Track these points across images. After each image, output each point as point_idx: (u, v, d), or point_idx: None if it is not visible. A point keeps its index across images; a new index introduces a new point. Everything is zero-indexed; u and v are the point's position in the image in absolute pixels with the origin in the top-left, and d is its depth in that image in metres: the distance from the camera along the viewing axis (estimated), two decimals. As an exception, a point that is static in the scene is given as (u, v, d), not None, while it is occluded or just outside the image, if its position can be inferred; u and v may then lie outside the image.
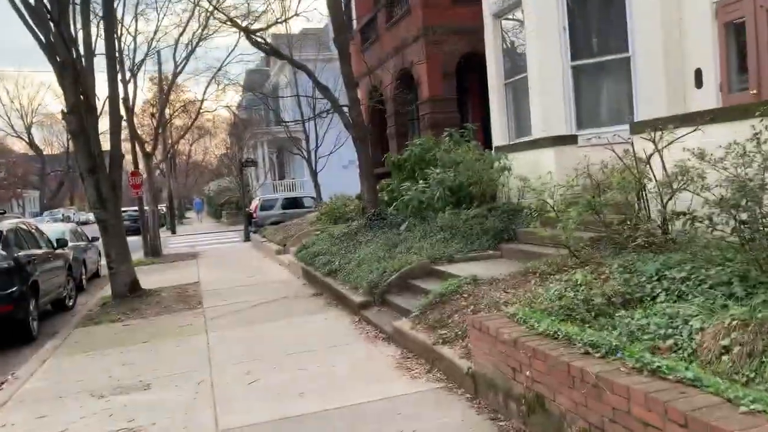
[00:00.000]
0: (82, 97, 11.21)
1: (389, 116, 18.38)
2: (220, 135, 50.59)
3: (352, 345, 7.30)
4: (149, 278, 15.04)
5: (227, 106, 32.01)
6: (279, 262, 16.07)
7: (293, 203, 28.66)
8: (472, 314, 6.01)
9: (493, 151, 11.54)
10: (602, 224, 6.51)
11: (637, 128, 7.49)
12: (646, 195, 6.46)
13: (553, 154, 9.36)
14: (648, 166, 6.51)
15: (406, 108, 18.28)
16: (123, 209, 42.05)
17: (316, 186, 26.75)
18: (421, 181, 11.50)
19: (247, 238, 26.35)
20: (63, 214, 58.45)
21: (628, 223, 6.53)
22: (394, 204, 11.57)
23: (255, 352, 7.40)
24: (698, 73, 9.84)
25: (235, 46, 55.80)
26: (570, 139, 9.58)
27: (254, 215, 27.92)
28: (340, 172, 34.80)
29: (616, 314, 4.75)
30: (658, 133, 6.31)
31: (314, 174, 26.80)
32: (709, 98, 9.61)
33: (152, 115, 25.71)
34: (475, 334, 4.92)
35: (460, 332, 5.78)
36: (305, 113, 26.49)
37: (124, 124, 17.66)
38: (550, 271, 6.43)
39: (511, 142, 11.78)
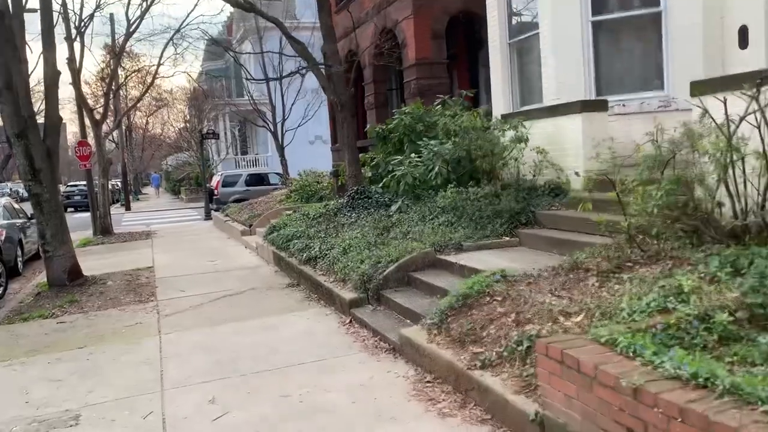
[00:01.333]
0: (6, 42, 9.25)
1: (367, 84, 16.72)
2: (179, 106, 47.93)
3: (347, 358, 5.72)
4: (96, 261, 13.18)
5: (186, 73, 29.68)
6: (245, 245, 14.35)
7: (258, 180, 26.77)
8: (516, 326, 4.51)
9: (495, 121, 10.01)
10: (675, 207, 5.03)
11: (701, 88, 6.03)
12: (733, 169, 5.00)
13: (579, 123, 7.87)
14: (732, 132, 5.05)
15: (387, 76, 16.62)
16: (75, 183, 39.31)
17: (283, 161, 24.93)
18: (413, 155, 9.92)
19: (208, 216, 24.43)
20: (11, 189, 55.10)
21: (700, 207, 5.08)
22: (383, 181, 9.96)
23: (221, 365, 5.78)
24: (743, 32, 8.45)
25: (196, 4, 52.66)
26: (599, 105, 8.10)
27: (216, 192, 25.96)
28: (306, 149, 32.97)
29: (755, 338, 3.29)
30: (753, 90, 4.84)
31: (281, 148, 24.96)
32: (756, 60, 8.24)
33: (102, 79, 23.42)
34: (548, 365, 3.41)
35: (506, 353, 4.26)
36: (273, 82, 24.59)
37: (69, 89, 15.57)
38: (610, 267, 4.94)
39: (515, 110, 10.26)
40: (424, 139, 10.38)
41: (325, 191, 16.19)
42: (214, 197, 25.87)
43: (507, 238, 7.52)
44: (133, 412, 4.81)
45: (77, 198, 35.85)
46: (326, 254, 8.78)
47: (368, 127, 12.06)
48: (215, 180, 27.10)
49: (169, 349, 6.47)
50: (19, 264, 13.63)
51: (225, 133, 39.03)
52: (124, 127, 54.08)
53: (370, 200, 10.69)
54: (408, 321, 6.18)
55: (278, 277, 10.05)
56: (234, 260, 12.34)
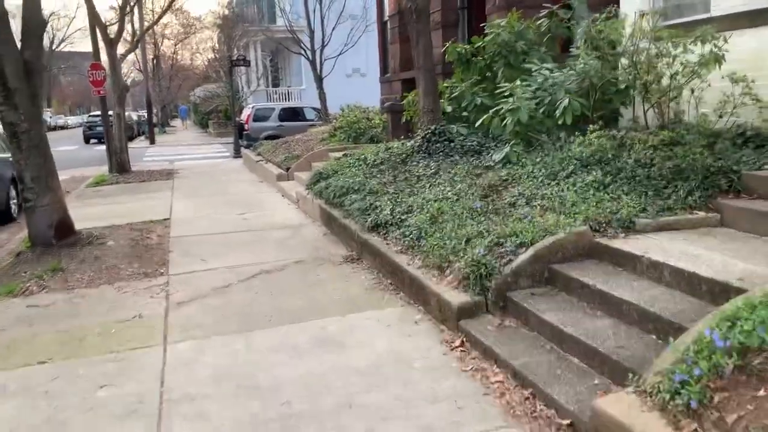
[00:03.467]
0: None
1: (432, -2, 13.66)
2: (208, 32, 44.94)
3: (485, 436, 3.20)
4: (102, 208, 10.82)
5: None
6: (282, 192, 11.83)
7: (293, 115, 24.04)
8: None
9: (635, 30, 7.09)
10: None
11: None
12: None
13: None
14: None
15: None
16: (97, 114, 36.73)
17: (321, 95, 22.11)
18: (518, 83, 7.13)
19: (237, 154, 21.99)
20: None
21: None
22: (472, 118, 7.23)
23: (262, 416, 3.32)
24: None
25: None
26: None
27: (246, 127, 23.35)
28: (343, 82, 30.00)
29: None
30: None
31: (319, 80, 22.11)
32: None
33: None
34: None
35: None
36: (311, 3, 21.55)
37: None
38: None
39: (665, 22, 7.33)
40: (533, 61, 7.57)
41: (376, 130, 13.50)
42: (245, 133, 23.31)
43: (701, 213, 4.82)
44: None
45: (99, 129, 33.55)
46: (403, 220, 6.19)
47: (446, 47, 9.20)
48: (245, 114, 24.45)
49: (175, 382, 4.01)
50: (12, 207, 11.35)
51: (256, 63, 36.12)
52: (152, 56, 51.74)
53: (452, 144, 8.00)
54: (575, 360, 3.62)
55: (330, 244, 7.53)
56: (270, 214, 9.83)
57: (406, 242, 5.77)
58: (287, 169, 12.89)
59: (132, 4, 18.39)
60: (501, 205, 5.53)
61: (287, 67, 39.84)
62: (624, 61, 6.31)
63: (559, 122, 6.31)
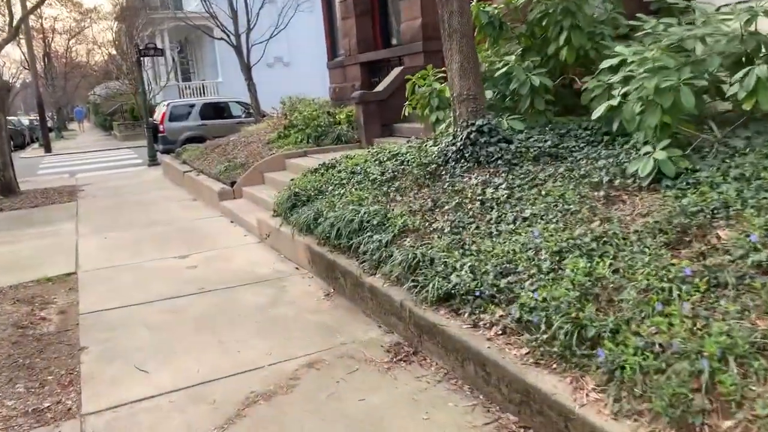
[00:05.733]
0: None
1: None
2: (106, 24, 40.21)
3: None
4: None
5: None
6: (231, 218, 8.83)
7: (217, 111, 20.66)
8: None
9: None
10: None
11: None
12: None
13: None
14: None
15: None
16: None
17: (251, 87, 18.89)
18: (643, 48, 4.56)
19: (153, 161, 18.57)
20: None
21: None
22: (602, 108, 4.51)
23: None
24: None
25: None
26: None
27: (161, 128, 19.83)
28: (265, 73, 26.71)
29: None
30: None
31: (247, 69, 18.86)
32: None
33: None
34: None
35: None
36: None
37: None
38: None
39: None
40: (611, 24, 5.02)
41: (342, 127, 10.67)
42: (160, 135, 19.78)
43: None
44: None
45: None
46: (508, 290, 3.52)
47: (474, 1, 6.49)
48: (159, 112, 20.86)
49: None
50: None
51: (164, 55, 32.16)
52: (42, 53, 46.16)
53: (510, 146, 5.34)
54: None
55: (345, 316, 4.74)
56: (227, 256, 6.87)
57: (539, 339, 3.09)
58: (232, 184, 9.86)
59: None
60: (736, 272, 2.92)
61: (200, 58, 36.00)
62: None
63: (744, 106, 3.79)
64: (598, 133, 5.41)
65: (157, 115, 20.79)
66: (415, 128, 9.07)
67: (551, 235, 3.83)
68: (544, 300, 3.28)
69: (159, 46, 31.20)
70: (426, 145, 6.30)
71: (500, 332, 3.39)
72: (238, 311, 5.07)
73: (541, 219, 4.10)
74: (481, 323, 3.53)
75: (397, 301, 4.16)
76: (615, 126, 4.51)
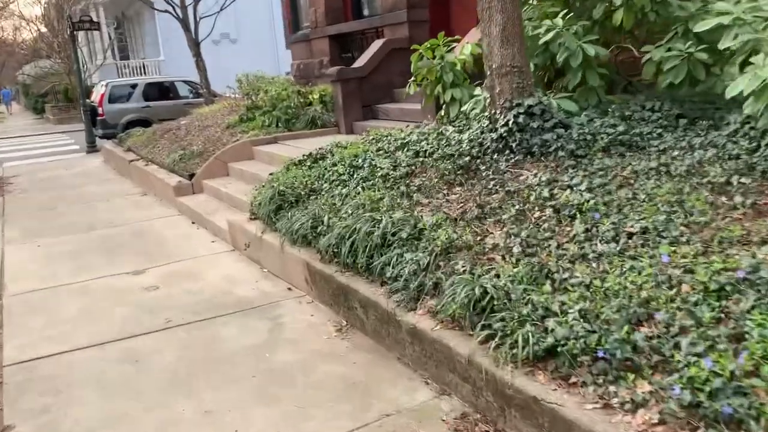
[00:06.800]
0: None
1: None
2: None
3: None
4: None
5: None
6: (192, 218, 7.42)
7: (162, 92, 18.84)
8: None
9: None
10: None
11: None
12: None
13: None
14: None
15: None
16: None
17: (200, 64, 17.16)
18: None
19: (92, 148, 16.80)
20: None
21: None
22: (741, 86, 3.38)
23: None
24: None
25: None
26: None
27: (100, 110, 17.93)
28: (211, 50, 24.81)
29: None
30: None
31: (196, 45, 17.14)
32: None
33: None
34: None
35: None
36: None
37: None
38: None
39: None
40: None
41: (315, 109, 9.32)
42: (99, 118, 17.90)
43: None
44: None
45: None
46: (663, 360, 2.37)
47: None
48: (97, 93, 18.91)
49: None
50: None
51: (100, 32, 29.78)
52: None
53: (568, 132, 4.18)
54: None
55: (370, 364, 3.52)
56: (195, 272, 5.50)
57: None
58: (190, 177, 8.42)
59: None
60: None
61: (139, 35, 33.66)
62: None
63: None
64: (670, 116, 4.33)
65: (95, 97, 18.87)
66: (407, 109, 7.84)
67: (691, 262, 2.70)
68: (723, 371, 2.15)
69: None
70: (446, 131, 5.07)
71: (655, 421, 2.24)
72: (224, 358, 3.79)
73: (661, 236, 2.96)
74: (615, 401, 2.38)
75: (462, 355, 2.96)
76: (759, 108, 3.30)
